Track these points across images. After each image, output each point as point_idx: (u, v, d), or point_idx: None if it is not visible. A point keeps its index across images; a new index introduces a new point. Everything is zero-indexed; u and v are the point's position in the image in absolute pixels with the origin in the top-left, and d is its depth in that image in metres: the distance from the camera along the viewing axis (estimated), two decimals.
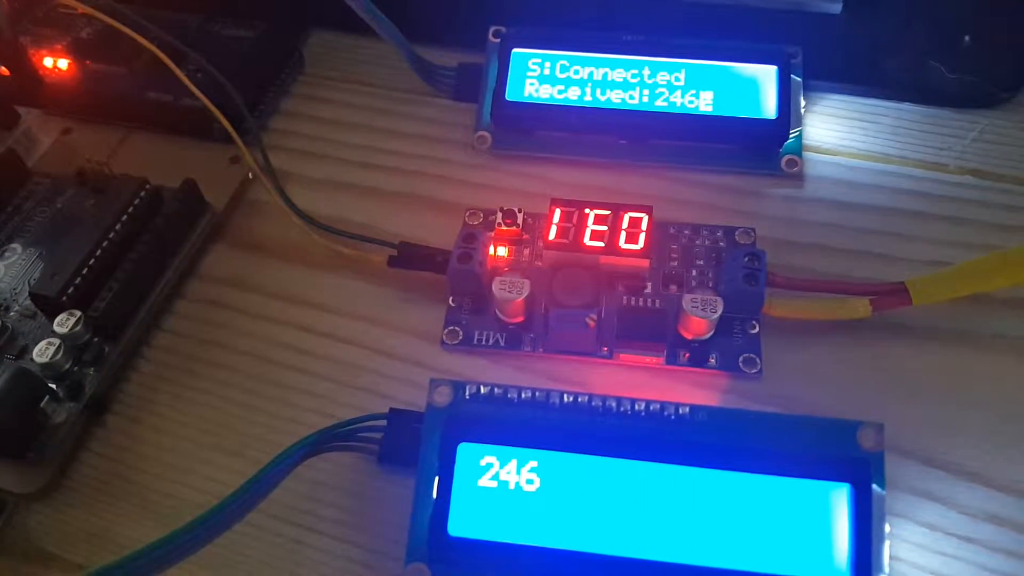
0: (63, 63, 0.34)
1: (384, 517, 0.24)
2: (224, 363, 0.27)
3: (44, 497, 0.25)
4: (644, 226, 0.27)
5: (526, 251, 0.29)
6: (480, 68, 0.33)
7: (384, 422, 0.24)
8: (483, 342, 0.27)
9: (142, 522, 0.24)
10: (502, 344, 0.27)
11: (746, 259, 0.26)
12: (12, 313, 0.28)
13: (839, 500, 0.21)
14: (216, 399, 0.27)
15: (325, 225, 0.29)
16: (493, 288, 0.26)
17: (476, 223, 0.29)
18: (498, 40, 0.33)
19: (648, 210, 0.27)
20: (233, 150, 0.32)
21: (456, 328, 0.27)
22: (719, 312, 0.25)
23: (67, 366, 0.26)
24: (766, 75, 0.31)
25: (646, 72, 0.31)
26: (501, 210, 0.29)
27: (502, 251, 0.28)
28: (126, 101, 0.33)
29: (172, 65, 0.31)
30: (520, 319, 0.27)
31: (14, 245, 0.29)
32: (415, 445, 0.23)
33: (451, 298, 0.28)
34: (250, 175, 0.32)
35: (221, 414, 0.26)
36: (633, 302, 0.26)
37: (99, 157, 0.31)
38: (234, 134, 0.31)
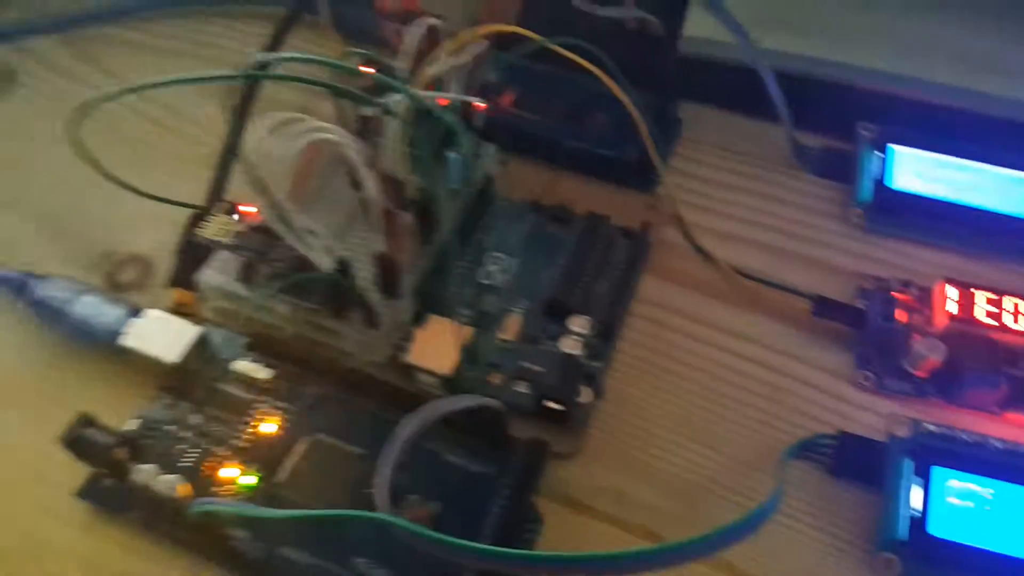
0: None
1: (842, 514, 0.30)
2: (676, 372, 0.34)
3: (570, 457, 0.31)
4: None
5: (916, 317, 0.35)
6: (844, 153, 0.40)
7: (835, 441, 0.31)
8: (890, 388, 0.33)
9: (640, 485, 0.31)
10: (910, 392, 0.33)
11: None
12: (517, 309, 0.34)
13: None
14: (679, 400, 0.33)
15: (748, 273, 0.36)
16: (915, 345, 0.33)
17: (870, 288, 0.36)
18: (868, 133, 0.40)
19: None
20: (645, 197, 0.39)
21: (868, 372, 0.34)
22: None
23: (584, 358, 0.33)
24: None
25: None
26: (897, 279, 0.35)
27: (902, 314, 0.35)
28: (558, 146, 0.40)
29: (638, 119, 0.36)
30: (925, 374, 0.33)
31: (498, 254, 0.37)
32: (860, 463, 0.30)
33: (862, 347, 0.34)
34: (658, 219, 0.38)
35: (686, 412, 0.33)
36: None
37: (536, 190, 0.38)
38: (659, 183, 0.38)
